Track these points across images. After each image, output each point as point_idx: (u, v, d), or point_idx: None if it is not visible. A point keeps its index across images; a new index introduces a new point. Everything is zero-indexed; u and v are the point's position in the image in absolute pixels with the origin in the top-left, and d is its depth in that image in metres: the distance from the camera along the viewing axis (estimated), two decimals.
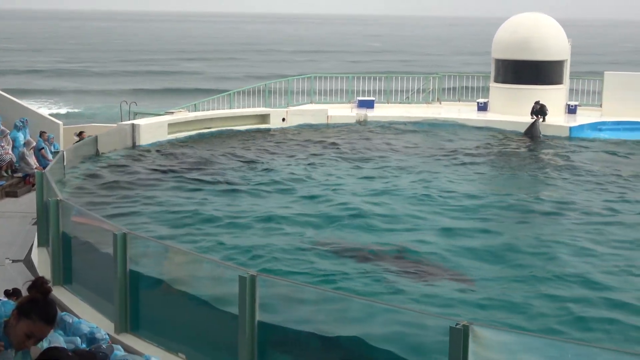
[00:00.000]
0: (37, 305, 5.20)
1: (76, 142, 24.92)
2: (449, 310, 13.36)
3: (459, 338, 8.57)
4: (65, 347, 7.64)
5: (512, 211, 20.84)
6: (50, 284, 5.99)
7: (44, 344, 7.54)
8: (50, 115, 30.14)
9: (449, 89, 38.67)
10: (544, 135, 30.98)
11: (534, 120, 31.44)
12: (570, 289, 14.94)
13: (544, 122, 31.76)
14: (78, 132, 26.10)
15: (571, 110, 34.72)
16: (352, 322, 10.73)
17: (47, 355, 4.54)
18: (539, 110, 31.76)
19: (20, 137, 24.76)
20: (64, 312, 10.97)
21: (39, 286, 5.67)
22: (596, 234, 18.60)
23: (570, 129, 31.80)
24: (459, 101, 37.52)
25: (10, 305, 6.00)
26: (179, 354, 11.11)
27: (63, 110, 55.96)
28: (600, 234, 18.72)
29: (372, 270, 15.83)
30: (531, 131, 31.07)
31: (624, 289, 14.95)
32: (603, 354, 9.47)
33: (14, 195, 22.15)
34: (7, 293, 11.74)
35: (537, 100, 31.98)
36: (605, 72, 35.87)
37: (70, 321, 9.35)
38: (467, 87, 38.74)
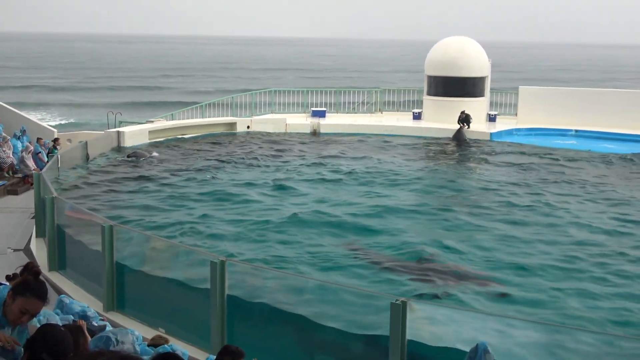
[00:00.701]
0: (30, 285, 5.21)
1: (51, 147, 24.87)
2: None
3: (398, 312, 8.62)
4: (60, 324, 7.57)
5: (443, 199, 21.03)
6: (39, 267, 6.02)
7: (41, 319, 7.47)
8: (46, 124, 29.78)
9: (389, 101, 38.78)
10: (470, 139, 31.25)
11: (459, 127, 31.71)
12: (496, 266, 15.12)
13: (468, 129, 32.05)
14: (53, 138, 25.86)
15: (491, 118, 35.07)
16: (308, 299, 10.76)
17: (42, 330, 4.50)
18: (464, 119, 32.02)
19: (19, 144, 24.57)
20: (62, 295, 10.89)
21: (29, 269, 5.71)
22: (510, 215, 18.99)
23: (491, 134, 32.14)
24: (398, 111, 37.70)
25: (7, 288, 5.96)
26: (159, 329, 11.07)
27: (57, 120, 55.33)
28: (512, 214, 19.32)
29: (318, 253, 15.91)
30: (457, 136, 31.33)
31: (538, 265, 15.16)
32: (517, 324, 9.61)
33: (15, 193, 22.05)
34: (9, 278, 11.60)
35: (463, 110, 32.24)
36: (520, 87, 36.25)
37: (67, 302, 9.31)
38: (404, 100, 38.90)
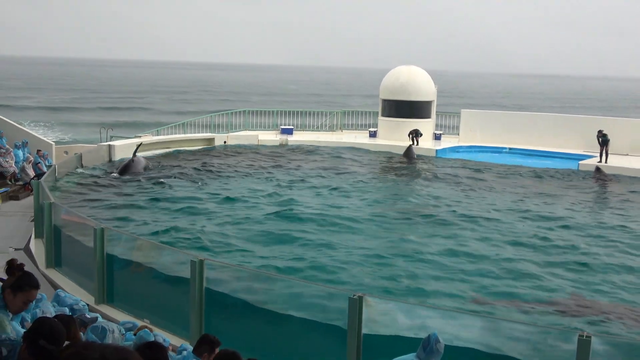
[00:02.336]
0: (24, 280, 5.18)
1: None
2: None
3: (356, 306, 8.63)
4: (54, 313, 7.44)
5: (393, 210, 21.12)
6: (19, 262, 6.07)
7: (37, 312, 7.35)
8: (44, 137, 29.45)
9: (349, 121, 38.77)
10: (418, 155, 31.42)
11: (410, 145, 31.90)
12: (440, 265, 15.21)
13: (417, 146, 32.29)
14: (37, 150, 25.51)
15: (437, 137, 35.34)
16: (276, 294, 10.73)
17: (38, 322, 4.45)
18: (415, 133, 32.41)
19: (20, 154, 24.29)
20: (59, 289, 10.73)
21: (15, 267, 5.76)
22: (456, 224, 19.06)
23: (437, 150, 32.38)
24: (356, 130, 37.79)
25: None
26: (144, 319, 10.95)
27: (55, 134, 54.64)
28: (459, 221, 19.22)
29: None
30: (407, 153, 31.47)
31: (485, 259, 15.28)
32: (461, 316, 9.67)
33: (16, 198, 21.84)
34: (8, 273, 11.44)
35: (414, 129, 32.55)
36: (462, 110, 36.64)
37: (63, 295, 9.20)
38: (362, 120, 38.94)
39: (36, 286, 5.34)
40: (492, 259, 15.88)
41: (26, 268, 13.54)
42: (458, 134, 35.61)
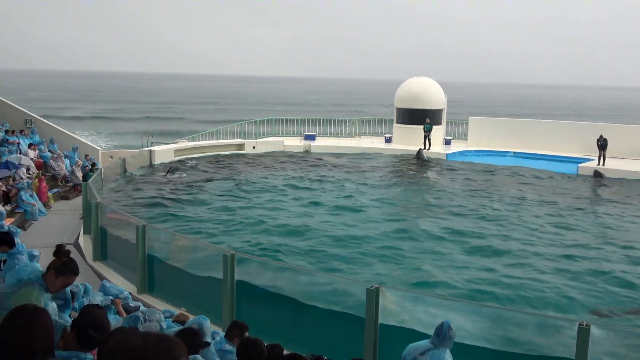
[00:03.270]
0: (68, 265, 5.22)
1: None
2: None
3: (373, 296, 8.60)
4: (101, 303, 7.50)
5: (407, 210, 21.04)
6: (67, 248, 6.14)
7: (84, 301, 7.40)
8: (92, 143, 29.72)
9: (366, 128, 38.69)
10: (429, 158, 31.27)
11: (420, 148, 31.74)
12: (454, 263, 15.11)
13: (429, 150, 32.21)
14: (85, 155, 25.92)
15: (447, 142, 35.15)
16: (301, 285, 10.72)
17: (85, 311, 4.47)
18: (429, 128, 32.62)
19: (74, 156, 24.62)
20: (104, 280, 10.82)
21: (63, 252, 5.81)
22: (465, 220, 18.92)
23: (447, 154, 32.24)
24: (372, 136, 37.69)
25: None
26: (181, 308, 10.99)
27: (103, 139, 55.15)
28: (468, 218, 19.08)
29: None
30: (418, 156, 31.36)
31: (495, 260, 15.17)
32: (463, 306, 9.59)
33: (67, 198, 22.03)
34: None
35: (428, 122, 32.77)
36: (470, 117, 36.41)
37: (108, 286, 9.26)
38: (378, 127, 38.82)
39: (76, 273, 5.37)
40: (496, 254, 15.73)
41: (76, 261, 13.64)
42: (466, 139, 35.39)
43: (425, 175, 27.75)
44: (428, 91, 35.19)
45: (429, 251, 15.91)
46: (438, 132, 34.69)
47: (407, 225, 18.82)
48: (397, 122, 35.65)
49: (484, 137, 34.44)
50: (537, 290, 13.17)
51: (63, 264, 5.37)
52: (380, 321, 8.63)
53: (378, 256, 15.35)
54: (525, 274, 14.23)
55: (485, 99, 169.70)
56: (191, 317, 9.28)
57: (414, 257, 15.43)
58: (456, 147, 34.30)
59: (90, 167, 23.87)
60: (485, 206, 21.19)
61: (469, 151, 33.41)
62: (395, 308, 9.01)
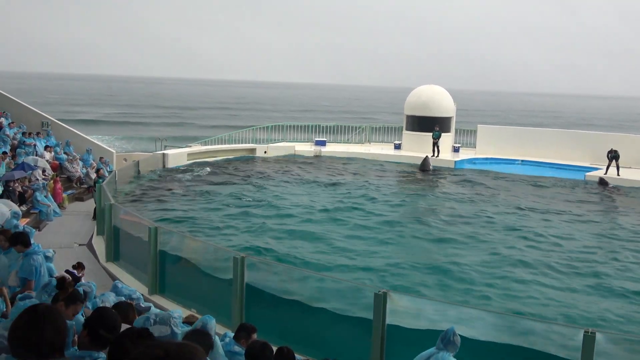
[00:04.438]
0: (75, 296, 5.48)
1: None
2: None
3: (380, 301, 8.59)
4: (114, 303, 7.52)
5: (415, 216, 21.00)
6: (70, 279, 6.23)
7: (97, 302, 7.42)
8: (106, 146, 29.86)
9: (376, 135, 38.64)
10: (438, 167, 31.08)
11: (426, 156, 31.55)
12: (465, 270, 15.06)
13: (437, 157, 32.14)
14: (100, 157, 25.93)
15: (456, 150, 35.04)
16: (309, 289, 10.72)
17: (98, 312, 4.51)
18: (435, 144, 32.47)
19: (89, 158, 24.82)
20: (116, 280, 10.85)
21: (67, 283, 5.97)
22: (472, 227, 18.85)
23: (455, 162, 32.15)
24: (382, 142, 37.64)
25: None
26: (191, 309, 11.01)
27: (119, 142, 55.37)
28: (475, 226, 19.00)
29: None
30: (423, 163, 31.02)
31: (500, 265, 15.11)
32: (470, 312, 9.55)
33: (81, 200, 22.15)
34: (74, 266, 11.60)
35: (437, 127, 32.78)
36: (479, 125, 36.33)
37: (120, 286, 9.27)
38: (388, 134, 38.78)
39: (82, 301, 5.60)
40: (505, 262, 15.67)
41: (88, 262, 13.74)
42: (475, 147, 35.30)
43: (433, 182, 27.68)
44: (437, 99, 35.13)
45: (437, 257, 15.86)
46: (447, 140, 34.64)
47: (414, 231, 18.78)
48: (406, 129, 35.60)
49: (493, 145, 34.34)
50: (545, 298, 13.11)
51: (71, 295, 5.44)
52: (387, 323, 8.60)
53: (386, 262, 15.32)
54: (532, 281, 14.16)
55: (494, 107, 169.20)
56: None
57: (422, 262, 15.38)
58: (465, 154, 34.21)
59: (96, 173, 23.16)
60: (493, 213, 21.11)
61: (477, 159, 33.32)
62: (402, 312, 8.98)
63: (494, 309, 11.50)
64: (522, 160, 33.11)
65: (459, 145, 35.60)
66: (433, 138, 32.58)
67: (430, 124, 34.10)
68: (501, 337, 8.57)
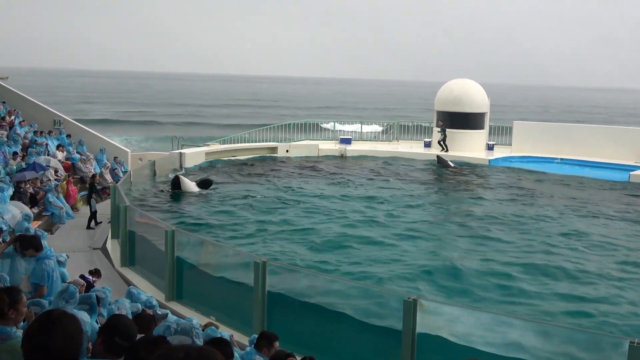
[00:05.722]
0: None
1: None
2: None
3: (410, 308, 8.54)
4: (130, 310, 7.59)
5: (447, 219, 20.89)
6: None
7: (113, 308, 7.49)
8: (121, 145, 30.08)
9: (405, 133, 38.48)
10: (455, 163, 30.85)
11: (437, 155, 31.56)
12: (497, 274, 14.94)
13: (446, 152, 32.55)
14: (114, 157, 26.16)
15: (490, 147, 34.81)
16: (333, 295, 10.72)
17: (113, 319, 4.55)
18: (442, 138, 33.25)
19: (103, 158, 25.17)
20: (131, 286, 10.95)
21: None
22: (507, 229, 18.69)
23: (490, 160, 31.95)
24: (411, 140, 37.48)
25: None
26: (210, 316, 11.07)
27: (130, 142, 55.79)
28: (510, 227, 18.86)
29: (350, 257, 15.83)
30: (440, 161, 31.15)
31: (540, 271, 14.95)
32: (507, 320, 9.47)
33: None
34: (91, 272, 11.72)
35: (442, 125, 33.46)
36: (514, 122, 36.03)
37: (135, 292, 9.35)
38: (417, 131, 38.62)
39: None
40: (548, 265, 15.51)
41: (102, 266, 13.87)
42: (510, 145, 35.01)
43: (466, 182, 27.49)
44: (470, 93, 34.91)
45: (470, 261, 15.75)
46: (481, 137, 34.42)
47: (447, 235, 18.69)
48: (437, 126, 35.44)
49: (530, 143, 34.01)
50: (589, 306, 12.96)
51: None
52: (418, 331, 8.56)
53: (416, 266, 15.26)
54: (575, 288, 14.01)
55: (531, 103, 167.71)
56: (220, 326, 9.34)
57: (455, 267, 15.28)
58: (500, 152, 33.95)
59: (92, 178, 21.04)
60: (530, 216, 20.91)
61: (513, 157, 33.05)
62: (433, 319, 8.93)
63: (532, 317, 11.39)
64: (561, 159, 32.74)
65: (494, 143, 35.34)
66: (440, 132, 33.28)
67: (462, 121, 33.92)
68: (541, 346, 8.48)
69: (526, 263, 15.73)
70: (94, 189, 19.94)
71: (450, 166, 30.54)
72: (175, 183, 22.16)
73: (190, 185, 22.45)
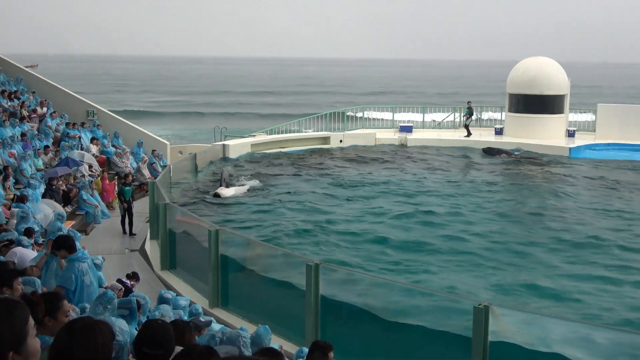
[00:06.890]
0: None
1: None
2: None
3: (481, 315, 8.47)
4: (172, 316, 7.72)
5: (523, 217, 20.60)
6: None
7: (156, 314, 7.63)
8: (160, 137, 30.47)
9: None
10: (546, 155, 30.34)
11: (487, 147, 31.40)
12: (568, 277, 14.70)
13: (470, 137, 33.06)
14: (152, 150, 26.48)
15: (570, 134, 34.16)
16: (394, 301, 10.69)
17: (144, 326, 4.63)
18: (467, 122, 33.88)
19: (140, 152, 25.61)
20: (162, 290, 11.08)
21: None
22: (589, 230, 18.32)
23: (570, 149, 31.36)
24: (481, 127, 37.02)
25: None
26: (258, 325, 11.15)
27: (169, 133, 56.58)
28: (593, 227, 18.48)
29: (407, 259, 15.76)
30: (488, 151, 31.04)
31: (616, 276, 14.67)
32: (583, 328, 9.31)
33: (132, 199, 22.45)
34: (128, 276, 11.93)
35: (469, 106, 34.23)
36: (599, 104, 35.26)
37: (170, 297, 9.45)
38: (487, 117, 38.23)
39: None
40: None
41: (141, 270, 14.11)
42: (594, 131, 34.29)
43: (545, 175, 27.00)
44: (547, 73, 34.29)
45: (545, 265, 15.53)
46: (560, 123, 33.80)
47: (519, 234, 18.44)
48: (509, 111, 34.93)
49: (616, 128, 33.23)
50: None
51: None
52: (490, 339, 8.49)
53: (486, 270, 15.11)
54: None
55: (616, 83, 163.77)
56: (270, 336, 9.41)
57: (529, 271, 15.09)
58: (581, 140, 33.28)
59: (124, 177, 20.82)
60: (618, 213, 20.46)
61: (597, 145, 32.36)
62: (507, 328, 8.85)
63: (613, 325, 11.16)
64: None
65: (575, 129, 34.65)
66: (466, 115, 33.88)
67: (539, 104, 33.36)
68: (620, 357, 8.34)
69: (607, 267, 15.42)
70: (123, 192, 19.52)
71: (508, 153, 30.07)
72: (217, 195, 22.13)
73: (231, 192, 22.42)
